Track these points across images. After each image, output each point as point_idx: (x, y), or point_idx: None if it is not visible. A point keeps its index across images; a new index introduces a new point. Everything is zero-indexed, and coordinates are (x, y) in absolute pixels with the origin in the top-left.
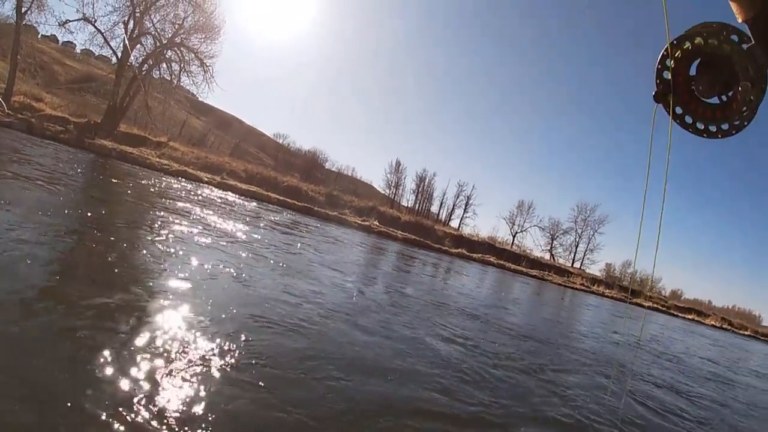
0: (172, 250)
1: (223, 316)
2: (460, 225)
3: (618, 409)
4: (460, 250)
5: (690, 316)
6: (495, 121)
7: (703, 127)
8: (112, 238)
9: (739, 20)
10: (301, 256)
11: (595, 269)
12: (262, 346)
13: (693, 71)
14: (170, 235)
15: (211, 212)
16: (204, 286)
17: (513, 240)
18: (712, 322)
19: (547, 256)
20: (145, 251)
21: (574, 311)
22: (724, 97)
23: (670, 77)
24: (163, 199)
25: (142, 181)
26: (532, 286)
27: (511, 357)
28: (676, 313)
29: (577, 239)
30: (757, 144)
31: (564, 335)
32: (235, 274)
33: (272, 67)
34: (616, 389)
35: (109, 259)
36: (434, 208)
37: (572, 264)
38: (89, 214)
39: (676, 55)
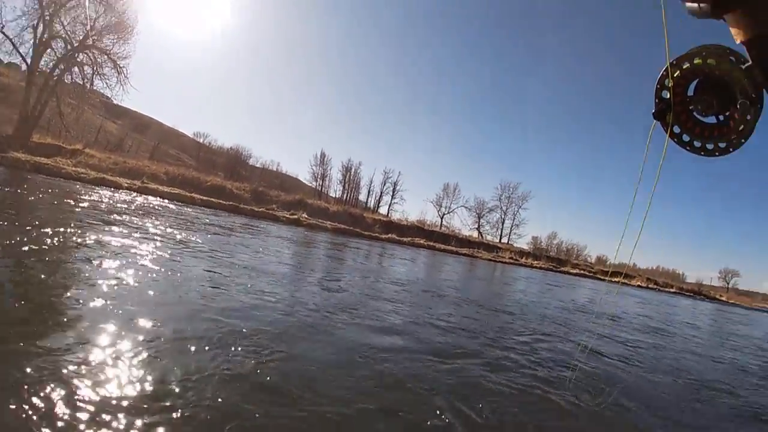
0: (97, 263)
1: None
2: (389, 211)
3: (573, 360)
4: (390, 235)
5: (617, 279)
6: (417, 107)
7: (700, 145)
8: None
9: (738, 41)
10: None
11: (522, 243)
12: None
13: (691, 91)
14: (88, 247)
15: (134, 218)
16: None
17: (441, 222)
18: (639, 283)
19: (475, 234)
20: (67, 265)
21: (509, 284)
22: (721, 117)
23: (669, 96)
24: (80, 210)
25: (56, 192)
26: (462, 263)
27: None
28: (602, 277)
29: (502, 216)
30: None
31: (503, 305)
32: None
33: (188, 65)
34: (568, 346)
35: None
36: (362, 197)
37: (500, 240)
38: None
39: (675, 74)
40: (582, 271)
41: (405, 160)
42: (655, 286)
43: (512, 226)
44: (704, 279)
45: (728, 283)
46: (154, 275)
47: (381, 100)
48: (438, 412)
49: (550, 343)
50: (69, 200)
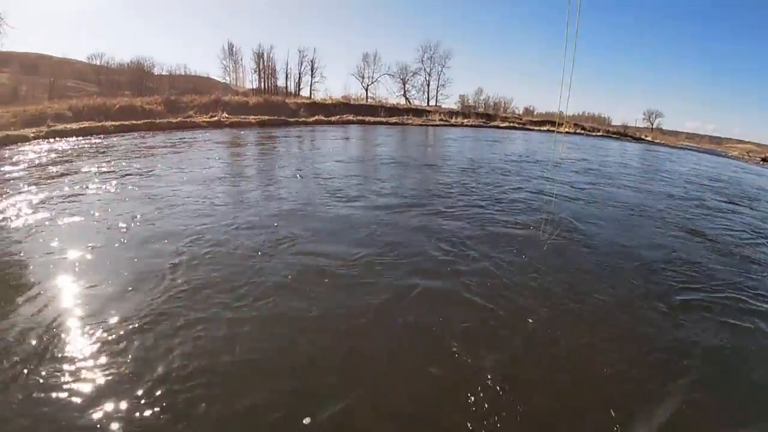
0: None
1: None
2: (311, 92)
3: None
4: (317, 117)
5: (545, 128)
6: None
7: None
8: None
9: None
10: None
11: (450, 103)
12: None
13: None
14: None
15: (57, 169)
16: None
17: (367, 93)
18: (567, 129)
19: (402, 101)
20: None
21: (447, 145)
22: None
23: None
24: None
25: None
26: (395, 132)
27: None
28: (531, 128)
29: (427, 78)
30: None
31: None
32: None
33: None
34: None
35: None
36: (281, 83)
37: (428, 103)
38: None
39: None
40: (512, 124)
41: (319, 37)
42: (582, 131)
43: (438, 87)
44: (629, 122)
45: (652, 124)
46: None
47: None
48: (428, 251)
49: (515, 190)
50: None
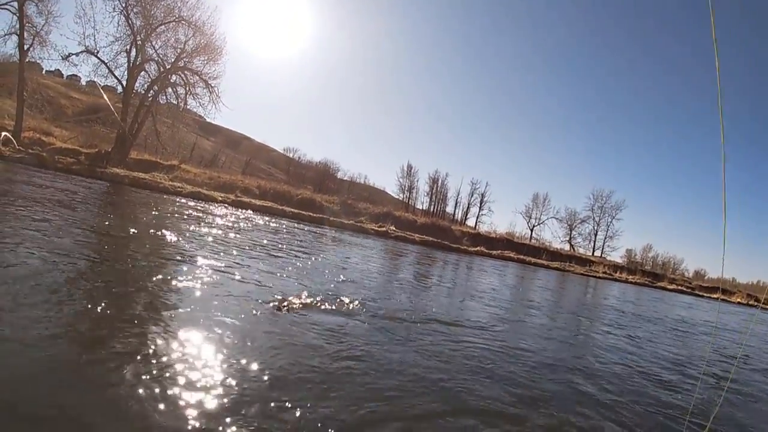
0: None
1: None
2: (476, 223)
3: None
4: (478, 248)
5: (716, 296)
6: (501, 116)
7: None
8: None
9: None
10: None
11: (616, 256)
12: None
13: None
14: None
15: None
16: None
17: (531, 234)
18: (739, 300)
19: (566, 247)
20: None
21: (607, 299)
22: None
23: None
24: (183, 221)
25: (158, 205)
26: (553, 278)
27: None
28: (701, 293)
29: (595, 227)
30: None
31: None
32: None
33: (276, 82)
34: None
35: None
36: (449, 209)
37: (593, 253)
38: (122, 238)
39: None
40: (679, 287)
41: (493, 170)
42: (756, 303)
43: (605, 237)
44: None
45: None
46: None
47: (467, 109)
48: None
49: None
50: (168, 212)
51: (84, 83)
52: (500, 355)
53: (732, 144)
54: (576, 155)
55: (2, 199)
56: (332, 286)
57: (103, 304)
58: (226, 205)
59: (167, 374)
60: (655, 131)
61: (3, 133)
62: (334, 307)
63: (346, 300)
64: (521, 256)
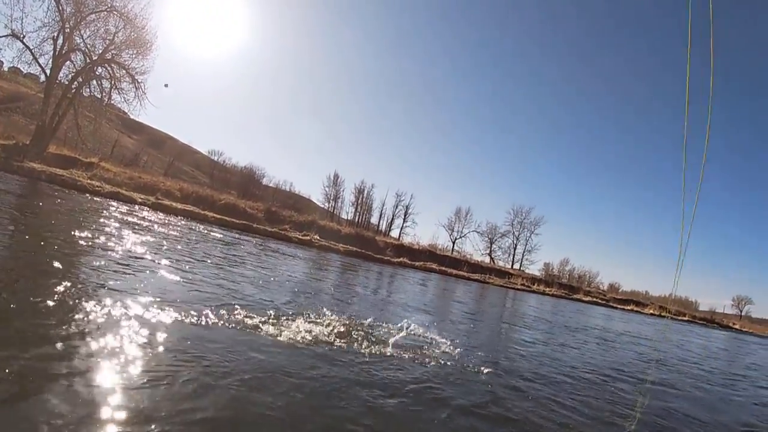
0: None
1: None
2: (400, 234)
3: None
4: (401, 259)
5: (629, 307)
6: (430, 129)
7: None
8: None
9: None
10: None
11: (534, 269)
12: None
13: None
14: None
15: (149, 234)
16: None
17: (453, 246)
18: (651, 311)
19: (487, 259)
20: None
21: (527, 311)
22: None
23: None
24: (94, 222)
25: (71, 204)
26: (474, 289)
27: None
28: (614, 305)
29: (514, 241)
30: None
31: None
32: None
33: (205, 83)
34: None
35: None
36: (374, 219)
37: (512, 266)
38: (26, 237)
39: None
40: (594, 299)
41: (417, 183)
42: (667, 314)
43: (524, 251)
44: (717, 307)
45: (741, 311)
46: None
47: (394, 122)
48: None
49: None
50: (84, 212)
51: (6, 69)
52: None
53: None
54: (497, 171)
55: None
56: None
57: None
58: (145, 207)
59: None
60: (576, 147)
61: None
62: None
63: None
64: (443, 268)
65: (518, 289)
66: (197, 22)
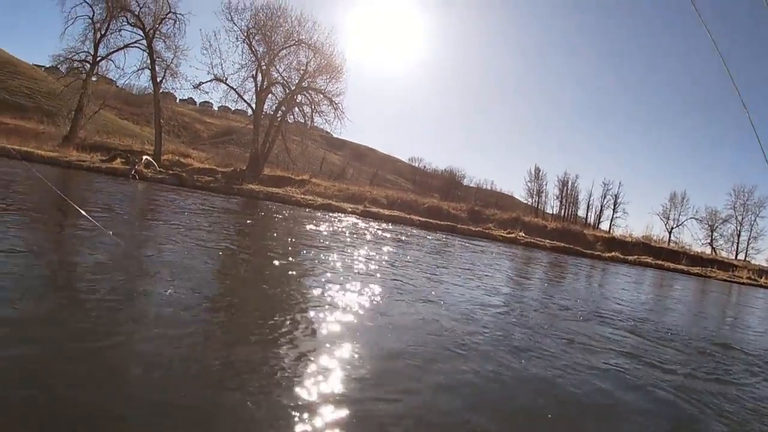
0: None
1: None
2: (610, 227)
3: None
4: (613, 253)
5: None
6: (635, 112)
7: None
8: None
9: None
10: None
11: (761, 258)
12: None
13: None
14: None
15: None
16: None
17: (669, 237)
18: None
19: (708, 250)
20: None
21: None
22: None
23: None
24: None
25: (292, 215)
26: (694, 284)
27: None
28: None
29: (738, 228)
30: None
31: None
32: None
33: (395, 93)
34: None
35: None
36: (581, 212)
37: (735, 256)
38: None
39: None
40: None
41: (624, 169)
42: None
43: (749, 239)
44: None
45: None
46: None
47: (595, 108)
48: None
49: None
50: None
51: (216, 108)
52: None
53: None
54: (716, 148)
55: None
56: None
57: None
58: (355, 215)
59: None
60: None
61: (144, 157)
62: None
63: None
64: (659, 261)
65: (743, 283)
66: (377, 36)
